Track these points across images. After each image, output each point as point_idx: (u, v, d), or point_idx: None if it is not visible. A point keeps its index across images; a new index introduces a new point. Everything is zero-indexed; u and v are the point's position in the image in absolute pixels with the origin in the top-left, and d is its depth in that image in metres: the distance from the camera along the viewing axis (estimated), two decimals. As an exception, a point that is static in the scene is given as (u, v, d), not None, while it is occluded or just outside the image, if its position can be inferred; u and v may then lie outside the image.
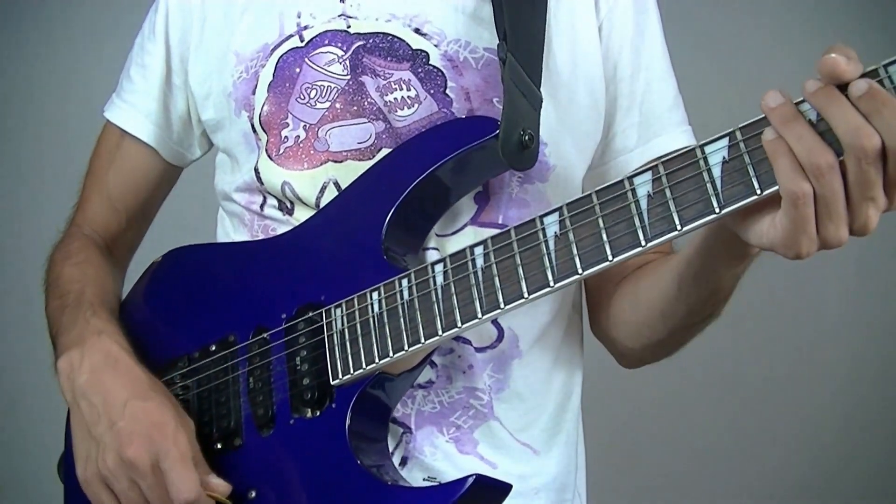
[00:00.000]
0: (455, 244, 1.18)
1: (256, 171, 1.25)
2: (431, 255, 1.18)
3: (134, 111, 1.39)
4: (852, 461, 2.66)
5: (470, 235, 1.19)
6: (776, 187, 0.86)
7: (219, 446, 1.16)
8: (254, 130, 1.25)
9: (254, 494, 1.12)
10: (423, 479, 1.18)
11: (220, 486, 1.11)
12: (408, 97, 1.20)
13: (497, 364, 1.21)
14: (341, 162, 1.21)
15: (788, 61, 2.48)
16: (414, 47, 1.21)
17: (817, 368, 2.68)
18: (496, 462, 1.20)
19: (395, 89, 1.20)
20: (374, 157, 1.19)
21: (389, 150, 1.19)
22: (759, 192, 0.88)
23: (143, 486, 1.09)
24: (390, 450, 1.16)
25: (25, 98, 2.74)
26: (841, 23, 2.52)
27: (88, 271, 1.31)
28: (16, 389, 2.37)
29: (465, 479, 1.00)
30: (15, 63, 2.73)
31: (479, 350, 1.19)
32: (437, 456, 1.18)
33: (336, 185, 1.20)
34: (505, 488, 1.03)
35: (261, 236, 1.26)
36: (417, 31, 1.22)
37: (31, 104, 2.74)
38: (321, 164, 1.21)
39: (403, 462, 1.18)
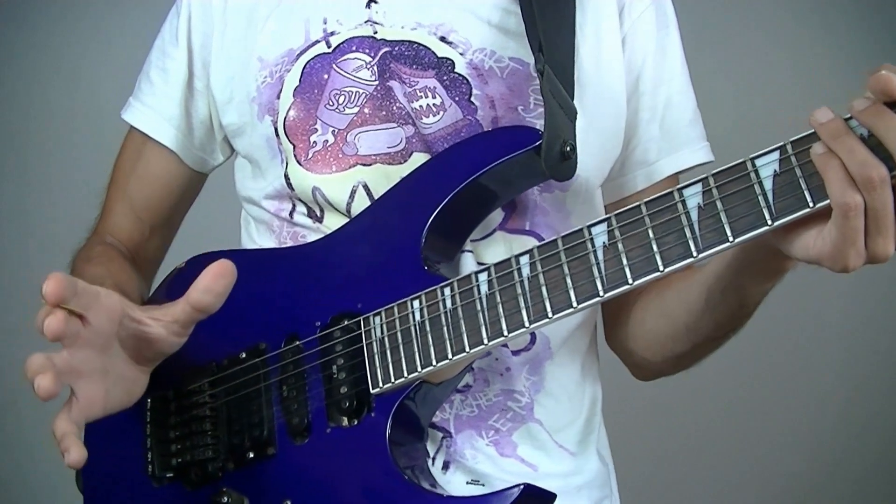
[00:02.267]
0: (485, 249, 1.20)
1: (287, 177, 1.24)
2: (465, 258, 1.18)
3: (154, 114, 1.37)
4: (854, 461, 2.71)
5: (500, 241, 1.20)
6: (828, 201, 0.88)
7: (251, 455, 1.15)
8: (276, 135, 1.25)
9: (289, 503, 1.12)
10: (467, 483, 1.18)
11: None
12: (433, 105, 1.20)
13: (532, 366, 1.22)
14: (370, 165, 1.21)
15: (800, 75, 2.54)
16: (439, 55, 1.22)
17: (817, 369, 2.72)
18: (536, 464, 1.21)
19: (421, 97, 1.21)
20: (405, 160, 1.20)
21: (421, 153, 1.20)
22: (811, 204, 0.90)
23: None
24: (431, 454, 1.17)
25: (30, 98, 2.69)
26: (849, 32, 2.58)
27: (111, 268, 1.30)
28: (16, 389, 2.29)
29: (512, 488, 1.01)
30: (19, 62, 2.68)
31: (514, 353, 1.21)
32: (478, 459, 1.19)
33: (365, 188, 1.21)
34: (551, 497, 1.04)
35: (289, 243, 1.26)
36: (443, 39, 1.22)
37: (35, 104, 2.70)
38: (350, 168, 1.21)
39: (446, 466, 1.19)
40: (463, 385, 1.18)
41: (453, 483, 1.17)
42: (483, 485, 1.18)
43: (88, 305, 1.00)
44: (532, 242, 1.14)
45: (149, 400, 1.22)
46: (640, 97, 1.27)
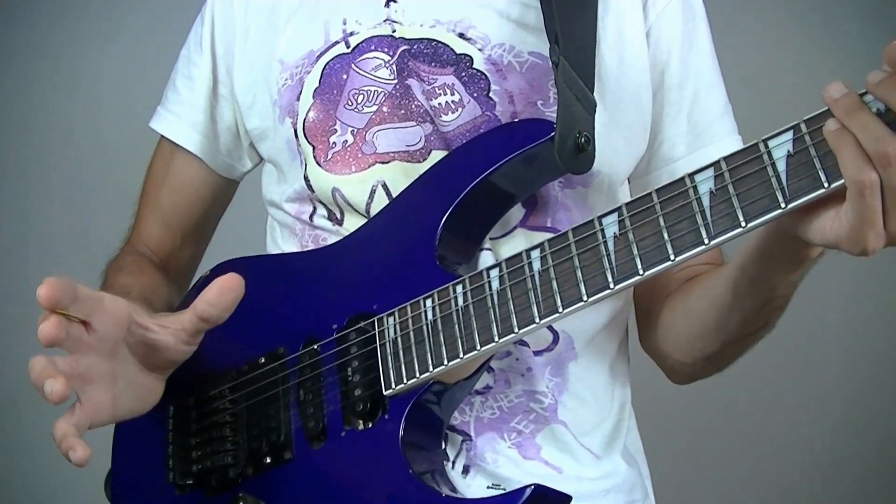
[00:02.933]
0: (505, 247, 1.17)
1: (307, 178, 1.24)
2: (485, 256, 1.16)
3: (179, 121, 1.38)
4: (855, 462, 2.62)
5: (520, 238, 1.17)
6: (843, 180, 0.84)
7: (268, 460, 1.14)
8: (296, 136, 1.24)
9: (305, 508, 1.10)
10: (488, 487, 1.15)
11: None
12: (451, 101, 1.19)
13: (555, 367, 1.18)
14: (388, 163, 1.19)
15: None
16: (458, 52, 1.20)
17: (818, 370, 2.64)
18: (561, 466, 1.17)
19: (440, 94, 1.19)
20: (425, 159, 1.18)
21: (440, 151, 1.18)
22: (826, 185, 0.85)
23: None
24: (451, 458, 1.14)
25: (30, 98, 2.71)
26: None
27: (141, 278, 1.31)
28: (16, 389, 2.32)
29: (523, 489, 0.97)
30: (19, 62, 2.70)
31: (536, 353, 1.17)
32: (499, 462, 1.16)
33: (384, 187, 1.19)
34: (565, 499, 1.00)
35: (311, 246, 1.25)
36: (461, 35, 1.21)
37: (35, 104, 2.71)
38: (369, 167, 1.20)
39: (466, 470, 1.15)
40: (483, 386, 1.15)
41: (473, 487, 1.14)
42: (504, 489, 1.14)
43: (91, 311, 0.99)
44: (554, 240, 1.11)
45: (171, 408, 1.22)
46: (667, 92, 1.23)
